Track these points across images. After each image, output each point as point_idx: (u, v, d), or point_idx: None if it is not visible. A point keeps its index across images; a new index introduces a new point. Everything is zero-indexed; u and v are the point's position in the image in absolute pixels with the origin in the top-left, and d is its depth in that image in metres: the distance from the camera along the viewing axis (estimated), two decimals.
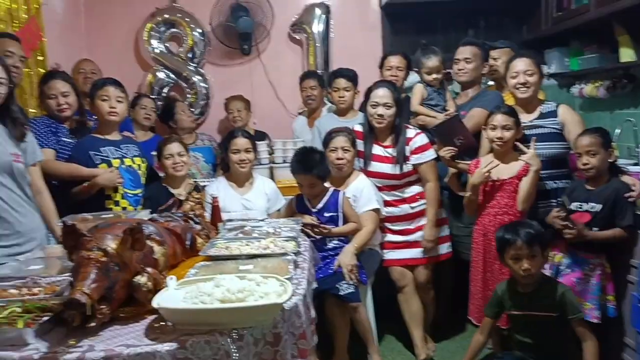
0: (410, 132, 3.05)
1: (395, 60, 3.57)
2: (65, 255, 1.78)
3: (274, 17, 4.57)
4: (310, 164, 2.86)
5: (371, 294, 3.04)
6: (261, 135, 4.10)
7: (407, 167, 3.01)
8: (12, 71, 2.39)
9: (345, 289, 2.71)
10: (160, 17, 4.53)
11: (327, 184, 2.96)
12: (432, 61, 3.27)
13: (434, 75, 3.28)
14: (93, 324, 1.36)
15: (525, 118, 2.86)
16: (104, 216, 2.32)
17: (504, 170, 2.76)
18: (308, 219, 2.84)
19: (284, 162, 3.68)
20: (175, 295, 1.50)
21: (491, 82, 3.60)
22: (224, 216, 2.72)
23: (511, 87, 2.90)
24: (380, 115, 2.97)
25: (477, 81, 3.30)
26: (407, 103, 3.27)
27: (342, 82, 3.49)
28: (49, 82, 2.97)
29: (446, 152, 2.99)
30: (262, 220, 2.67)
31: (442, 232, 3.10)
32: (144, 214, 2.37)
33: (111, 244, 1.45)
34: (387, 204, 3.07)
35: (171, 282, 1.53)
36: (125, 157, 2.90)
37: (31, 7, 3.55)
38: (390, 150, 3.04)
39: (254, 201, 3.11)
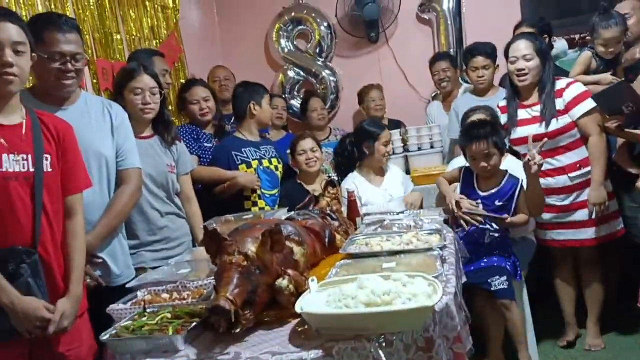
0: (561, 82, 2.71)
1: (527, 31, 3.18)
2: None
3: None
4: (484, 129, 2.54)
5: (526, 291, 2.72)
6: (396, 124, 3.96)
7: (559, 124, 2.66)
8: (163, 86, 2.51)
9: (497, 284, 2.47)
10: (287, 15, 4.59)
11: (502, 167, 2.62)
12: (612, 31, 2.78)
13: (611, 49, 2.83)
14: (238, 330, 1.33)
15: None
16: (245, 217, 2.38)
17: None
18: (466, 202, 2.55)
19: (419, 149, 3.62)
20: (317, 298, 1.42)
21: None
22: (366, 209, 2.63)
23: None
24: (521, 70, 2.67)
25: None
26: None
27: (480, 61, 3.25)
28: (191, 89, 3.12)
29: (612, 122, 2.58)
30: (400, 212, 2.55)
31: (609, 209, 2.69)
32: (282, 213, 2.37)
33: (251, 247, 1.42)
34: (540, 175, 2.60)
35: (313, 284, 1.47)
36: (264, 159, 2.95)
37: (170, 24, 3.76)
38: (536, 107, 2.72)
39: (392, 190, 3.04)
